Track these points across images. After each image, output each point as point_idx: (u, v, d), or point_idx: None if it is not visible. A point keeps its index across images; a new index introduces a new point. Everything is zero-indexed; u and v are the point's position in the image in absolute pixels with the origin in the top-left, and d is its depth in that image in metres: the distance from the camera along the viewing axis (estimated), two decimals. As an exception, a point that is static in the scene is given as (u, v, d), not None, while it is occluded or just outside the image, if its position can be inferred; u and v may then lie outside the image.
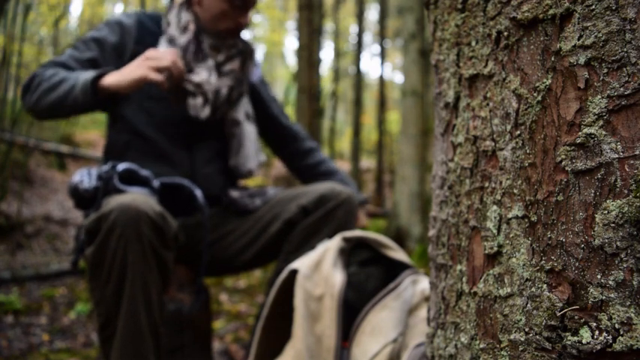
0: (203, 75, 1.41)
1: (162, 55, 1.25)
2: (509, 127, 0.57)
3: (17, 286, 2.98)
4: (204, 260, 1.33)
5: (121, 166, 1.21)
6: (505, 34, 0.58)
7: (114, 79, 1.23)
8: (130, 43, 1.42)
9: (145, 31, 1.45)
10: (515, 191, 0.56)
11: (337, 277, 1.00)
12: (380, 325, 0.94)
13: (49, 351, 2.00)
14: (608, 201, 0.49)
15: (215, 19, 1.44)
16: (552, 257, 0.52)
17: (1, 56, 4.29)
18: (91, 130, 11.05)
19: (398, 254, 1.07)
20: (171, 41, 1.41)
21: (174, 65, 1.25)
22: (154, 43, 1.43)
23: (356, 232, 1.10)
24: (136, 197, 1.09)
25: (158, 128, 1.41)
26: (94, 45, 1.40)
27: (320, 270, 1.03)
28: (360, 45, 9.76)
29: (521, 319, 0.55)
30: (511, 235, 0.57)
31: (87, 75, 1.24)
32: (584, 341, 0.49)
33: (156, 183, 1.26)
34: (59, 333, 2.26)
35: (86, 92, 1.22)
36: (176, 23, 1.44)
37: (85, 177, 1.18)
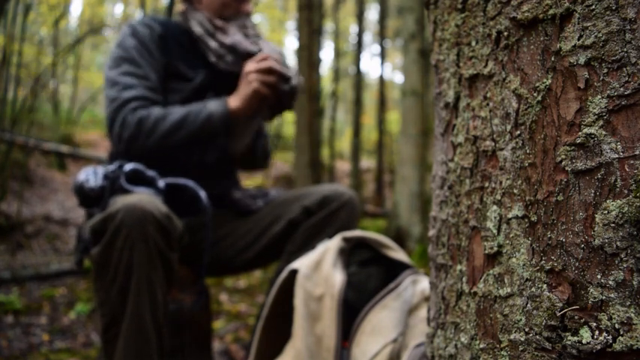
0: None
1: (263, 65, 1.34)
2: (509, 127, 0.57)
3: (17, 286, 2.98)
4: (206, 260, 1.33)
5: (128, 166, 1.21)
6: (505, 34, 0.58)
7: (238, 103, 1.35)
8: (159, 58, 1.42)
9: (166, 43, 1.45)
10: (515, 191, 0.56)
11: (337, 277, 1.00)
12: (380, 325, 0.94)
13: (49, 351, 2.00)
14: (608, 201, 0.49)
15: (217, 12, 1.46)
16: (552, 257, 0.52)
17: (1, 56, 4.29)
18: (91, 130, 11.06)
19: (398, 254, 1.07)
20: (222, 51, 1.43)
21: (275, 72, 1.35)
22: (181, 55, 1.45)
23: (356, 232, 1.10)
24: (142, 198, 1.09)
25: None
26: (138, 68, 1.38)
27: (320, 270, 1.03)
28: (360, 45, 9.77)
29: (521, 319, 0.55)
30: (511, 235, 0.57)
31: (215, 106, 1.34)
32: (584, 341, 0.49)
33: (161, 183, 1.26)
34: (59, 333, 2.26)
35: (226, 122, 1.35)
36: (197, 24, 1.45)
37: (90, 176, 1.19)
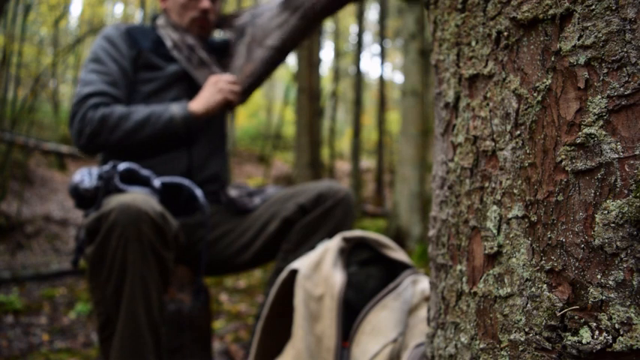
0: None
1: (228, 78, 1.44)
2: (509, 127, 0.57)
3: (17, 286, 2.98)
4: (204, 260, 1.33)
5: (122, 166, 1.21)
6: (505, 34, 0.58)
7: (201, 106, 1.39)
8: (127, 50, 1.47)
9: (135, 37, 1.50)
10: (515, 191, 0.56)
11: (337, 277, 1.00)
12: (380, 325, 0.94)
13: (49, 351, 2.00)
14: (608, 201, 0.48)
15: (181, 14, 1.52)
16: (552, 257, 0.52)
17: (1, 56, 4.29)
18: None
19: (398, 254, 1.07)
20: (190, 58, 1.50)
21: (237, 86, 1.44)
22: (153, 47, 1.50)
23: (356, 232, 1.10)
24: (137, 197, 1.09)
25: None
26: (101, 65, 1.42)
27: (320, 270, 1.03)
28: (360, 45, 9.76)
29: (521, 319, 0.55)
30: (511, 235, 0.57)
31: (177, 108, 1.38)
32: (584, 341, 0.49)
33: (156, 183, 1.26)
34: (59, 333, 2.26)
35: (188, 124, 1.38)
36: (160, 22, 1.55)
37: (85, 176, 1.19)
